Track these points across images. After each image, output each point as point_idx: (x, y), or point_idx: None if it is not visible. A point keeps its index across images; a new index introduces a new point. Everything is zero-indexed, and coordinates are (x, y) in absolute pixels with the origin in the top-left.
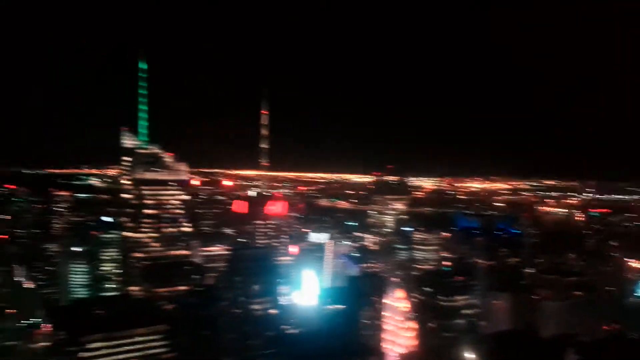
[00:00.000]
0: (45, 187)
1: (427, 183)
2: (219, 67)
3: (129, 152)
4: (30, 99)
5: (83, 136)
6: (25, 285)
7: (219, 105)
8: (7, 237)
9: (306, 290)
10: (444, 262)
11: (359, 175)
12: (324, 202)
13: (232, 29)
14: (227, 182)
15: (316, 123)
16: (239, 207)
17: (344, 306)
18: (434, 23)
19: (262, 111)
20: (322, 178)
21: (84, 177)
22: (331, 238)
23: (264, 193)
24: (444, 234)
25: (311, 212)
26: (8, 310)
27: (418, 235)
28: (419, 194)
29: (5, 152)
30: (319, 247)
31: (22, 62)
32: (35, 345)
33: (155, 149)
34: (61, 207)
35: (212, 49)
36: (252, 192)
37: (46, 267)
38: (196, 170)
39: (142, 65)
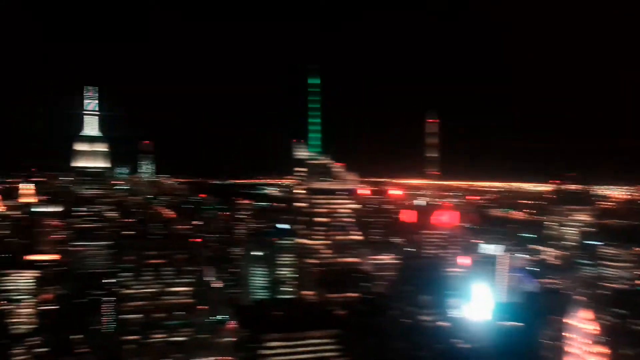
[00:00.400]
0: (229, 196)
1: (617, 192)
2: (387, 78)
3: (302, 163)
4: (220, 120)
5: (261, 149)
6: (214, 285)
7: (388, 114)
8: (200, 240)
9: (478, 304)
10: (638, 282)
11: (534, 184)
12: (496, 212)
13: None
14: (395, 192)
15: (486, 130)
16: (408, 216)
17: (521, 323)
18: None
19: (430, 120)
20: (494, 187)
21: (263, 187)
22: (505, 250)
23: (432, 202)
24: (638, 249)
25: (483, 222)
26: (200, 307)
27: (607, 250)
28: (607, 204)
29: (199, 166)
30: (492, 260)
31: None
32: (223, 339)
33: (326, 160)
34: (243, 215)
35: (381, 62)
36: (420, 202)
37: (231, 269)
38: (365, 179)
39: (315, 80)
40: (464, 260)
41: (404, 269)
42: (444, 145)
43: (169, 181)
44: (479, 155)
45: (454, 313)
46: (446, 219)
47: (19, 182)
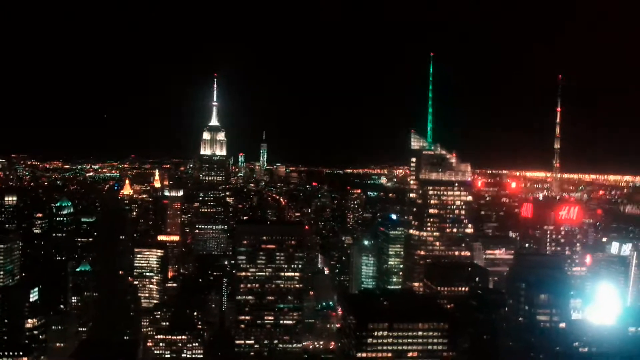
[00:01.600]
0: (341, 185)
1: None
2: (507, 64)
3: (416, 153)
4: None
5: (374, 138)
6: (322, 271)
7: (504, 103)
8: (309, 227)
9: (603, 306)
10: None
11: None
12: (628, 209)
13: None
14: (512, 184)
15: (616, 118)
16: (525, 210)
17: None
18: None
19: (558, 109)
20: (626, 182)
21: (375, 176)
22: (637, 250)
23: (553, 196)
24: None
25: (611, 219)
26: (309, 292)
27: None
28: None
29: (313, 154)
30: (621, 260)
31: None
32: (329, 325)
33: (440, 150)
34: (354, 204)
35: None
36: (540, 195)
37: (340, 257)
38: (480, 171)
39: (430, 69)
40: (588, 260)
41: (520, 265)
42: (568, 135)
43: (282, 169)
44: (607, 145)
45: (575, 315)
46: (569, 214)
47: (149, 169)
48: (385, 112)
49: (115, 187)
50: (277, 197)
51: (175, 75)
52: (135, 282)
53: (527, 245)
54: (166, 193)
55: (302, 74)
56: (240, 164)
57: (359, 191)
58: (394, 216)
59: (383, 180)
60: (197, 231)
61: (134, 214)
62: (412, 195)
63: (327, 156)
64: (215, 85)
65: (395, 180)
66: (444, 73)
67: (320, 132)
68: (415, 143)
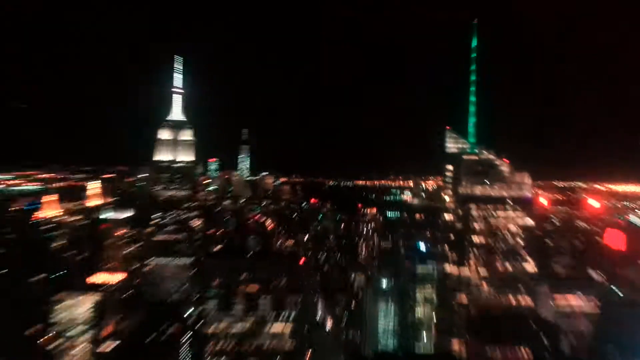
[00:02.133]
0: (351, 203)
1: None
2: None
3: (453, 158)
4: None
5: (395, 140)
6: (324, 324)
7: (581, 87)
8: (308, 260)
9: None
10: None
11: None
12: None
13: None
14: (593, 202)
15: None
16: (613, 239)
17: None
18: None
19: None
20: None
21: (396, 190)
22: None
23: None
24: None
25: None
26: (307, 355)
27: None
28: None
29: (311, 162)
30: None
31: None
32: None
33: (487, 154)
34: (369, 229)
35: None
36: (634, 218)
37: (349, 304)
38: (544, 183)
39: (473, 44)
40: None
41: (609, 319)
42: None
43: (270, 180)
44: None
45: None
46: None
47: (85, 180)
48: (409, 105)
49: (31, 206)
50: (263, 219)
51: (121, 50)
52: (51, 347)
53: (617, 290)
54: (107, 214)
55: (299, 55)
56: (212, 173)
57: (374, 211)
58: (422, 246)
59: (407, 195)
60: (150, 267)
61: (59, 244)
62: (447, 216)
63: (330, 164)
64: (178, 66)
65: (424, 195)
66: (493, 48)
67: (322, 131)
68: (452, 144)
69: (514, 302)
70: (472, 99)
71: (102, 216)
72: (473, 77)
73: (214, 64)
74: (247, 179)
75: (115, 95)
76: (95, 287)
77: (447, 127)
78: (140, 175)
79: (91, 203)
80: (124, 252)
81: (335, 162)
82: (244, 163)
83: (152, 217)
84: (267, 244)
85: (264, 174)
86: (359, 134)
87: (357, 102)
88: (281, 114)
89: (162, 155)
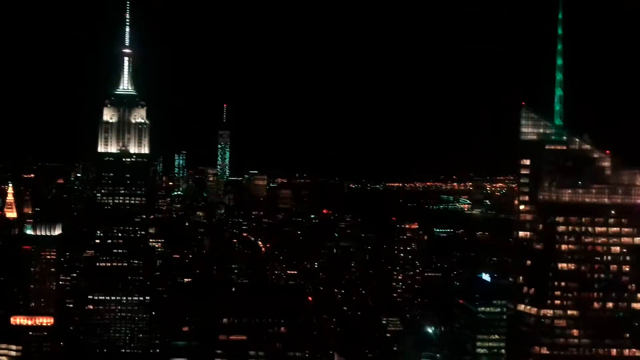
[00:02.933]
0: (382, 215)
1: None
2: None
3: (531, 149)
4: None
5: (445, 126)
6: None
7: None
8: (311, 299)
9: None
10: None
11: None
12: None
13: None
14: None
15: None
16: None
17: None
18: None
19: None
20: None
21: (448, 197)
22: None
23: None
24: None
25: None
26: None
27: None
28: None
29: (318, 155)
30: None
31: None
32: None
33: (580, 143)
34: (407, 251)
35: None
36: None
37: (381, 358)
38: None
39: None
40: None
41: None
42: None
43: (262, 182)
44: None
45: None
46: None
47: (2, 181)
48: (464, 72)
49: None
50: (252, 238)
51: None
52: None
53: None
54: (29, 231)
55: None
56: (178, 171)
57: (415, 226)
58: (486, 276)
59: (464, 204)
60: (91, 306)
61: None
62: (522, 233)
63: (351, 158)
64: (127, 16)
65: (488, 203)
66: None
67: (339, 110)
68: (530, 129)
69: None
70: (559, 61)
71: (23, 233)
72: (560, 30)
73: (179, 7)
74: (229, 179)
75: (39, 55)
76: (13, 335)
77: (522, 104)
78: (76, 175)
79: (8, 214)
80: (54, 284)
81: (359, 156)
82: (224, 157)
83: (92, 234)
84: (259, 273)
85: (253, 172)
86: (393, 114)
87: (389, 68)
88: (278, 83)
89: (107, 146)
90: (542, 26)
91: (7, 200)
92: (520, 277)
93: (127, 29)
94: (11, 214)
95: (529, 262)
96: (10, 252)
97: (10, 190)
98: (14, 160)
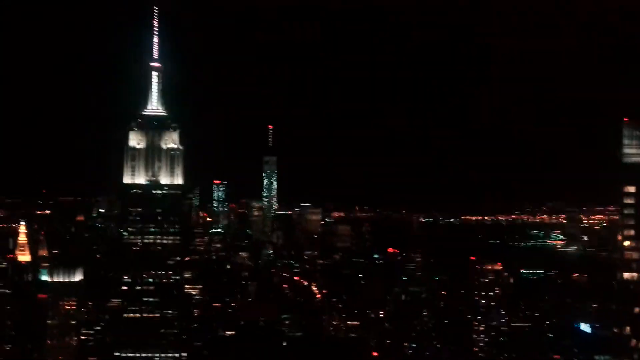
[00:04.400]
0: (458, 252)
1: None
2: None
3: (636, 173)
4: None
5: (532, 145)
6: None
7: None
8: (375, 354)
9: None
10: None
11: None
12: None
13: None
14: None
15: None
16: None
17: None
18: None
19: None
20: None
21: (537, 232)
22: None
23: None
24: None
25: None
26: None
27: None
28: None
29: (390, 186)
30: None
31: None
32: None
33: None
34: (490, 295)
35: None
36: None
37: None
38: None
39: None
40: None
41: None
42: None
43: (316, 216)
44: None
45: None
46: None
47: (8, 219)
48: (554, 88)
49: None
50: (305, 283)
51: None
52: None
53: None
54: (44, 277)
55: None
56: (217, 205)
57: (498, 266)
58: (585, 327)
59: (557, 240)
60: None
61: None
62: (627, 275)
63: (421, 189)
64: (155, 24)
65: (585, 239)
66: None
67: (406, 135)
68: (635, 149)
69: None
70: None
71: (37, 278)
72: None
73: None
74: (277, 214)
75: (54, 73)
76: None
77: (625, 120)
78: (99, 210)
79: (19, 257)
80: (74, 339)
81: (429, 187)
82: (271, 187)
83: (118, 280)
84: (314, 324)
85: (305, 205)
86: (470, 135)
87: (462, 82)
88: (333, 102)
89: (134, 177)
90: None
91: (19, 241)
92: (627, 328)
93: (156, 40)
94: (24, 256)
95: (637, 309)
96: (24, 301)
97: (22, 229)
98: (27, 194)
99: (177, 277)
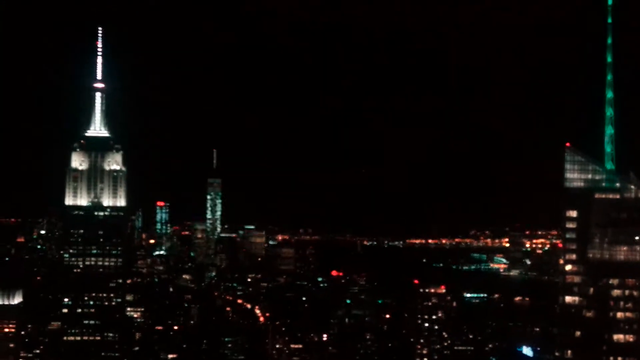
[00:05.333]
0: (401, 276)
1: None
2: None
3: (578, 197)
4: None
5: (476, 169)
6: None
7: None
8: None
9: None
10: None
11: None
12: None
13: None
14: None
15: None
16: None
17: None
18: None
19: None
20: None
21: (479, 255)
22: None
23: None
24: None
25: None
26: None
27: None
28: None
29: (334, 207)
30: None
31: None
32: None
33: (637, 191)
34: (432, 320)
35: None
36: None
37: None
38: None
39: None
40: None
41: None
42: None
43: (260, 239)
44: None
45: None
46: None
47: None
48: (499, 112)
49: None
50: (248, 306)
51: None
52: None
53: None
54: None
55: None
56: (161, 227)
57: (442, 290)
58: (527, 350)
59: (499, 263)
60: None
61: None
62: (569, 299)
63: (365, 211)
64: (98, 44)
65: (528, 263)
66: None
67: (351, 153)
68: (576, 174)
69: None
70: (609, 94)
71: None
72: (609, 58)
73: (158, 38)
74: (221, 236)
75: None
76: None
77: (567, 145)
78: (39, 232)
79: None
80: None
81: (374, 209)
82: (215, 210)
83: (59, 302)
84: (257, 348)
85: (249, 228)
86: (414, 157)
87: (402, 100)
88: (277, 121)
89: (76, 198)
90: (588, 54)
91: None
92: (569, 352)
93: (99, 60)
94: None
95: (578, 333)
96: None
97: None
98: None
99: (119, 300)
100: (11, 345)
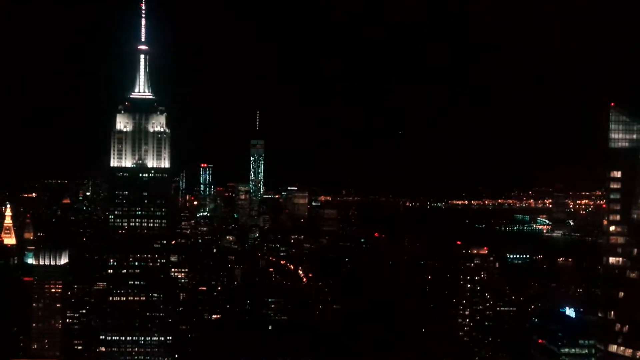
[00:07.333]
0: (445, 237)
1: None
2: None
3: (624, 157)
4: None
5: (518, 133)
6: None
7: None
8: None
9: None
10: None
11: None
12: None
13: None
14: None
15: None
16: None
17: None
18: None
19: None
20: None
21: (522, 216)
22: None
23: None
24: None
25: None
26: None
27: None
28: None
29: (377, 170)
30: None
31: None
32: None
33: None
34: (476, 280)
35: None
36: None
37: None
38: None
39: None
40: None
41: None
42: None
43: (303, 199)
44: None
45: None
46: None
47: None
48: (541, 73)
49: None
50: (291, 267)
51: None
52: None
53: None
54: (30, 260)
55: None
56: (204, 189)
57: (484, 251)
58: (570, 311)
59: (543, 224)
60: (103, 348)
61: None
62: (613, 260)
63: (408, 174)
64: (142, 6)
65: (570, 224)
66: None
67: (393, 118)
68: (621, 134)
69: None
70: None
71: (20, 261)
72: None
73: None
74: (264, 197)
75: (39, 55)
76: None
77: (612, 105)
78: (85, 193)
79: (4, 240)
80: (60, 322)
81: (417, 171)
82: (258, 171)
83: (104, 263)
84: (300, 309)
85: (292, 189)
86: (458, 121)
87: (451, 68)
88: (321, 87)
89: (120, 160)
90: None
91: (4, 224)
92: (612, 312)
93: (143, 22)
94: (9, 240)
95: (621, 294)
96: (9, 284)
97: (7, 212)
98: (12, 177)
99: (164, 261)
100: (58, 305)
